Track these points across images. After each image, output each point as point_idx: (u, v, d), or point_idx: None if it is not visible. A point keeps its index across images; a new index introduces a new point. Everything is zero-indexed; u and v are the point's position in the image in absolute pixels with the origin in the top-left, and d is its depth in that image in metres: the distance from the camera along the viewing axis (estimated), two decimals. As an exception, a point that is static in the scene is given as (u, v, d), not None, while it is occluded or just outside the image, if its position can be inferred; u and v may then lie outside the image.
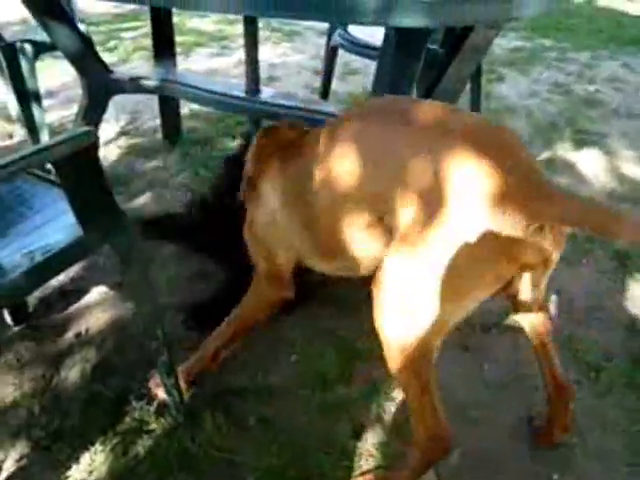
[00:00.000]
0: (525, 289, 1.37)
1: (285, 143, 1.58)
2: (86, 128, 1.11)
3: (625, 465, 1.51)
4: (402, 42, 1.66)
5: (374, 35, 2.71)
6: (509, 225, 1.08)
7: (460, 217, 1.12)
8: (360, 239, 1.39)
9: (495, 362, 1.81)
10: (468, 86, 3.02)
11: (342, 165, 1.36)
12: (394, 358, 1.26)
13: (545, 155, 3.30)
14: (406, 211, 1.20)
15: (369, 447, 1.52)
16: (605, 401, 1.69)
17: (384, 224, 1.29)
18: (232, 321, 1.66)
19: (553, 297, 2.10)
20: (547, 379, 1.52)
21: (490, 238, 1.09)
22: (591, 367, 1.80)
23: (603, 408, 1.67)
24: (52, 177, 1.41)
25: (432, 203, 1.15)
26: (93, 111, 2.69)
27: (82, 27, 2.69)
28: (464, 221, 1.11)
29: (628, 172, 3.15)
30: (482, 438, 1.57)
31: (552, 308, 2.04)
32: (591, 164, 3.22)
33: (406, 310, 1.21)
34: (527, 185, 1.11)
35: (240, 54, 2.52)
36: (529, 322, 1.50)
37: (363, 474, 1.45)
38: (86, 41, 2.57)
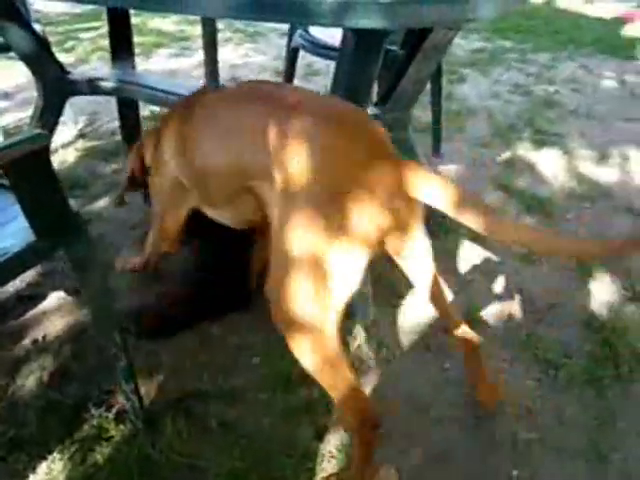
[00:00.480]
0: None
1: (181, 110, 1.68)
2: (38, 131, 1.10)
3: (584, 460, 1.54)
4: (360, 43, 1.67)
5: (334, 36, 2.72)
6: (358, 191, 1.17)
7: (316, 186, 1.20)
8: (232, 200, 1.54)
9: (457, 361, 1.83)
10: (429, 87, 3.05)
11: (207, 136, 1.52)
12: (297, 349, 1.28)
13: (505, 155, 3.35)
14: (271, 181, 1.29)
15: (331, 449, 1.53)
16: (564, 397, 1.72)
17: (250, 190, 1.41)
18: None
19: (514, 295, 2.13)
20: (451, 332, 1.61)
21: (349, 204, 1.16)
22: (551, 364, 1.83)
23: (562, 404, 1.70)
24: (3, 181, 1.39)
25: (292, 175, 1.23)
26: (49, 113, 2.64)
27: (38, 27, 2.65)
28: (321, 189, 1.19)
29: (586, 171, 3.21)
30: (444, 437, 1.59)
31: (512, 306, 2.08)
32: (550, 164, 3.28)
33: (291, 281, 1.23)
34: (372, 154, 1.21)
35: (201, 55, 2.50)
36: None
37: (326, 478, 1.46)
38: (41, 42, 2.53)
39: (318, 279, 1.20)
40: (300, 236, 1.20)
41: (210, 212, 1.69)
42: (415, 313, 2.01)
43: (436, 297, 1.57)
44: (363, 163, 1.19)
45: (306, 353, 1.27)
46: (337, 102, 1.47)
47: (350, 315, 1.95)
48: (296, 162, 1.22)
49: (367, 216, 1.18)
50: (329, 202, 1.18)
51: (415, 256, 1.40)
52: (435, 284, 1.54)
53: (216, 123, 1.50)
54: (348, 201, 1.17)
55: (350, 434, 1.52)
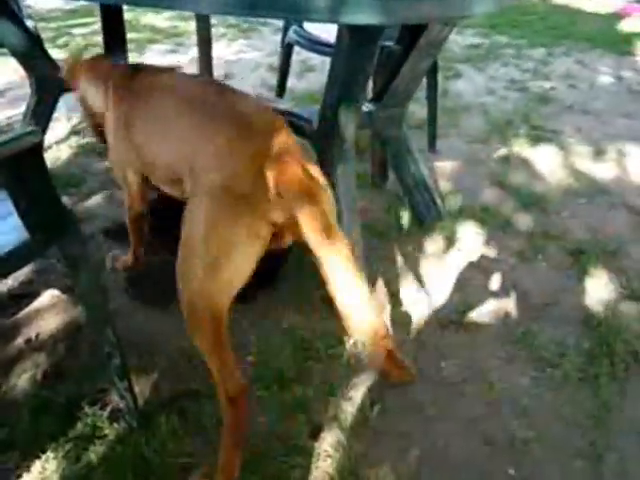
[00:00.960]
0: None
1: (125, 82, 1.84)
2: (30, 128, 1.10)
3: (581, 459, 1.54)
4: (355, 39, 1.67)
5: (329, 32, 2.71)
6: (250, 186, 1.33)
7: (213, 181, 1.37)
8: (172, 184, 1.66)
9: (452, 359, 1.83)
10: (424, 82, 3.05)
11: (151, 121, 1.70)
12: (187, 318, 1.39)
13: (501, 152, 3.36)
14: (191, 180, 1.46)
15: (327, 447, 1.53)
16: (561, 396, 1.73)
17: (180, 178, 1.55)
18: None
19: (509, 293, 2.14)
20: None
21: (241, 196, 1.33)
22: (547, 363, 1.83)
23: (559, 403, 1.70)
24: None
25: (204, 168, 1.42)
26: (42, 110, 2.64)
27: (30, 23, 2.65)
28: (217, 183, 1.36)
29: (583, 168, 3.22)
30: (439, 435, 1.59)
31: (508, 304, 2.08)
32: (546, 160, 3.29)
33: (190, 265, 1.36)
34: (271, 153, 1.38)
35: (195, 51, 2.50)
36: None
37: None
38: (34, 38, 2.53)
39: (212, 266, 1.32)
40: (197, 225, 1.35)
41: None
42: (410, 311, 2.01)
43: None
44: (256, 162, 1.35)
45: (196, 332, 1.39)
46: (248, 103, 1.61)
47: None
48: (202, 159, 1.44)
49: (255, 210, 1.32)
50: (223, 196, 1.33)
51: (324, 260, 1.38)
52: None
53: (160, 111, 1.67)
54: (240, 195, 1.32)
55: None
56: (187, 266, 1.37)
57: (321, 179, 1.43)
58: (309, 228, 1.31)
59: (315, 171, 1.43)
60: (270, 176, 1.33)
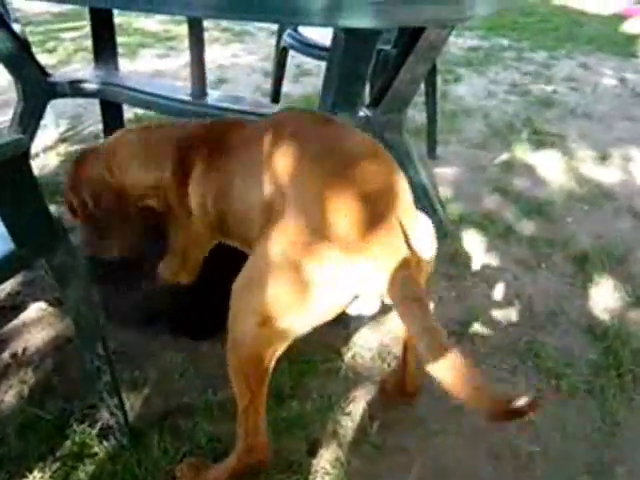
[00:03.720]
0: None
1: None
2: (17, 136, 1.09)
3: (588, 473, 1.53)
4: (351, 43, 1.67)
5: (325, 35, 2.72)
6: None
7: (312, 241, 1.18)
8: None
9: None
10: (423, 87, 3.05)
11: (240, 174, 1.47)
12: (231, 358, 1.30)
13: (503, 157, 3.36)
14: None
15: (324, 464, 1.52)
16: (567, 408, 1.72)
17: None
18: None
19: (513, 302, 2.13)
20: None
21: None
22: (552, 374, 1.83)
23: (565, 415, 1.70)
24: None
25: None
26: (29, 116, 2.63)
27: (17, 27, 2.64)
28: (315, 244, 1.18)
29: (587, 173, 3.22)
30: (442, 450, 1.58)
31: (512, 314, 2.08)
32: (549, 165, 3.29)
33: (249, 309, 1.24)
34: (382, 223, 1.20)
35: (188, 55, 2.50)
36: None
37: None
38: (21, 42, 2.52)
39: (273, 308, 1.20)
40: (275, 258, 1.21)
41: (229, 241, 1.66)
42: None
43: None
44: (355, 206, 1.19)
45: (235, 367, 1.30)
46: (368, 150, 1.40)
47: (344, 325, 1.95)
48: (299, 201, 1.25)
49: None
50: (309, 237, 1.18)
51: None
52: None
53: (252, 162, 1.45)
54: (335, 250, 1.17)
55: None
56: (247, 300, 1.25)
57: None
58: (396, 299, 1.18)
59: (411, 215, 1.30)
60: (365, 238, 1.17)
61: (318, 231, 1.18)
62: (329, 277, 1.17)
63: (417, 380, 1.67)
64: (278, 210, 1.28)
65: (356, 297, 1.23)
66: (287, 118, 1.53)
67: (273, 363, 1.29)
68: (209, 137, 1.61)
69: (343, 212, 1.19)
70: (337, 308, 1.23)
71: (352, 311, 1.28)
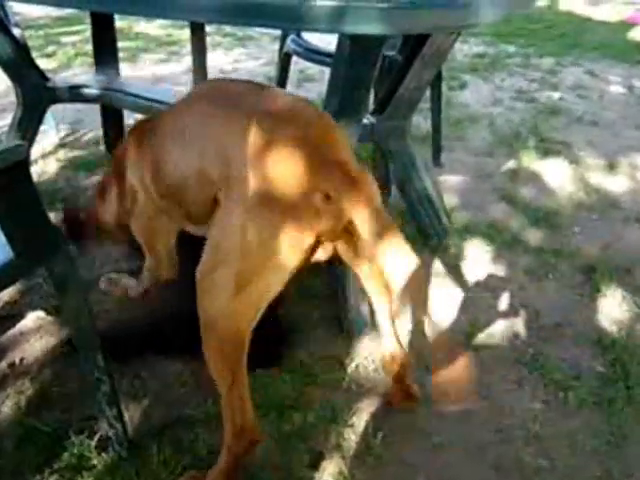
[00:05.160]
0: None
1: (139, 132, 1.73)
2: (16, 142, 1.09)
3: (594, 487, 1.53)
4: (356, 49, 1.67)
5: (328, 41, 2.72)
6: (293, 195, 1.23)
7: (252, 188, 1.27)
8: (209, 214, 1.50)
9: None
10: (428, 93, 3.05)
11: (173, 147, 1.54)
12: (207, 340, 1.33)
13: (509, 165, 3.36)
14: (226, 188, 1.34)
15: (328, 477, 1.51)
16: (574, 421, 1.71)
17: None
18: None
19: (519, 312, 2.13)
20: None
21: (284, 201, 1.24)
22: (559, 386, 1.82)
23: (572, 428, 1.69)
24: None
25: (240, 170, 1.30)
26: (29, 122, 2.64)
27: (17, 31, 2.65)
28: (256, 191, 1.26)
29: (594, 181, 3.22)
30: (446, 464, 1.57)
31: (518, 324, 2.07)
32: (556, 174, 3.29)
33: (218, 286, 1.29)
34: (316, 159, 1.27)
35: (190, 60, 2.51)
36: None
37: None
38: (21, 47, 2.53)
39: (245, 279, 1.26)
40: (230, 232, 1.28)
41: (195, 230, 1.68)
42: (413, 333, 2.00)
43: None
44: (299, 161, 1.26)
45: (213, 348, 1.33)
46: (298, 105, 1.49)
47: (347, 335, 1.95)
48: (238, 161, 1.31)
49: (301, 218, 1.24)
50: (264, 200, 1.24)
51: (373, 276, 1.46)
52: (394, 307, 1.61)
53: (181, 132, 1.53)
54: (283, 201, 1.24)
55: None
56: (213, 278, 1.30)
57: (361, 167, 1.35)
58: (368, 231, 1.21)
59: (354, 159, 1.37)
60: (317, 177, 1.24)
61: (271, 190, 1.25)
62: (291, 228, 1.23)
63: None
64: (221, 178, 1.35)
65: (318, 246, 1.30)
66: (209, 86, 1.70)
67: (249, 337, 1.32)
68: (140, 125, 1.75)
69: (292, 165, 1.26)
70: (302, 256, 1.28)
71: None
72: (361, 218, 1.21)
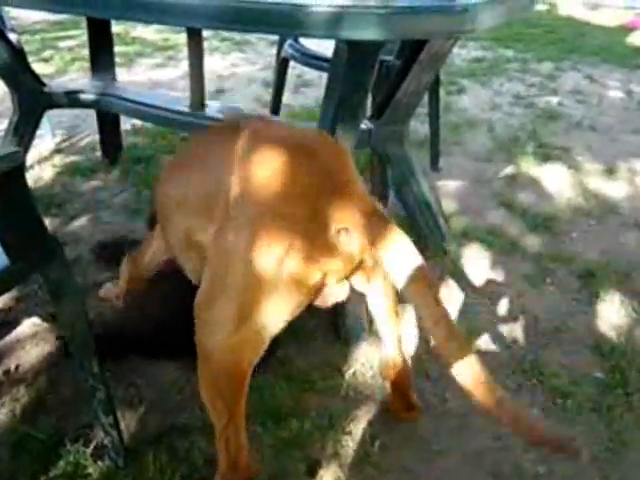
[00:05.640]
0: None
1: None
2: (11, 149, 1.10)
3: (594, 495, 1.53)
4: (353, 54, 1.67)
5: (326, 46, 2.73)
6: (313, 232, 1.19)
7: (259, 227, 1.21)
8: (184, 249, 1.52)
9: (457, 390, 1.81)
10: (426, 98, 3.06)
11: (172, 180, 1.57)
12: (203, 374, 1.30)
13: (507, 170, 3.36)
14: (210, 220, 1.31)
15: (325, 486, 1.51)
16: (573, 428, 1.71)
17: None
18: None
19: (518, 318, 2.13)
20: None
21: (289, 243, 1.18)
22: (557, 392, 1.82)
23: (570, 435, 1.68)
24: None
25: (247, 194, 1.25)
26: (25, 127, 2.64)
27: (13, 36, 2.65)
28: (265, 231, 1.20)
29: (593, 187, 3.22)
30: (444, 471, 1.57)
31: (516, 330, 2.07)
32: (555, 179, 3.29)
33: (217, 319, 1.25)
34: (333, 193, 1.23)
35: (186, 65, 2.52)
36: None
37: None
38: (17, 51, 2.54)
39: (244, 311, 1.22)
40: (233, 260, 1.22)
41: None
42: (413, 341, 2.00)
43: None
44: (314, 190, 1.23)
45: (208, 382, 1.31)
46: (316, 138, 1.45)
47: (345, 342, 1.95)
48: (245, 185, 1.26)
49: (311, 250, 1.19)
50: (267, 232, 1.19)
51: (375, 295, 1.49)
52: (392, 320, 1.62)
53: (180, 167, 1.59)
54: (294, 228, 1.19)
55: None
56: (212, 311, 1.26)
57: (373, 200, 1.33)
58: (400, 269, 1.21)
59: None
60: (336, 212, 1.21)
61: (276, 225, 1.20)
62: (296, 268, 1.18)
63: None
64: (221, 210, 1.29)
65: (325, 285, 1.26)
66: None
67: (249, 375, 1.29)
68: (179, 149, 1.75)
69: (299, 201, 1.22)
70: (306, 298, 1.25)
71: (325, 301, 1.31)
72: (390, 257, 1.22)
